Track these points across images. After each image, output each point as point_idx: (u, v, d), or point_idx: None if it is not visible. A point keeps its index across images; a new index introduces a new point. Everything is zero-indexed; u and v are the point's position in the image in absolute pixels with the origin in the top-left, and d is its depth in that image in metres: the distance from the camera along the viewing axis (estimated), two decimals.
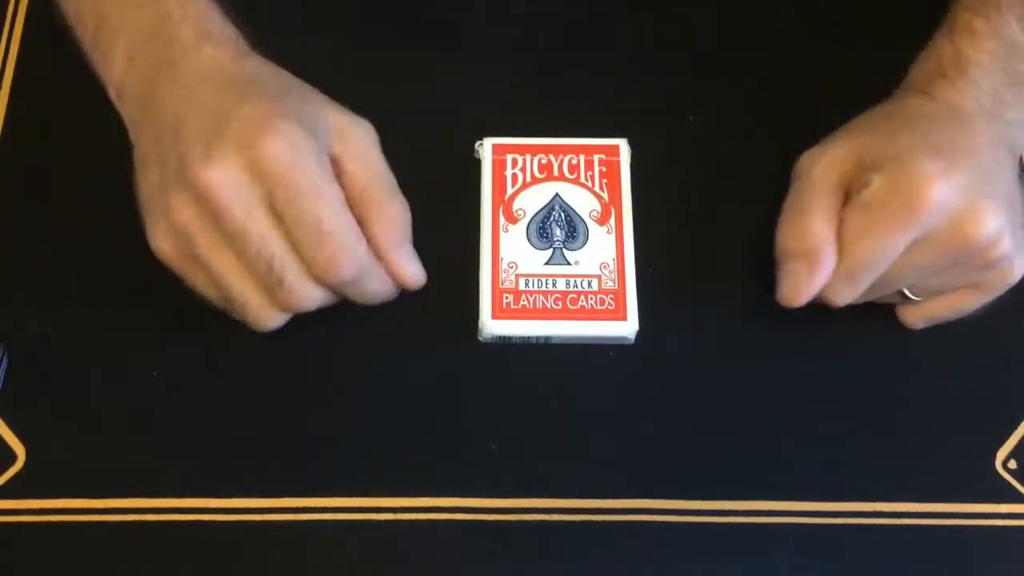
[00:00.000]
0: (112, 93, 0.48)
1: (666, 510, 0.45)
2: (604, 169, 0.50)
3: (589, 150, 0.50)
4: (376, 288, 0.46)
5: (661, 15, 0.55)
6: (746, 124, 0.53)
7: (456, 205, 0.49)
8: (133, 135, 0.47)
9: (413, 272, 0.47)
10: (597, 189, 0.49)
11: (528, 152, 0.50)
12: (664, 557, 0.45)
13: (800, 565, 0.45)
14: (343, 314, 0.48)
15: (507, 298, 0.47)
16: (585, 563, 0.45)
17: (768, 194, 0.51)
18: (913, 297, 0.46)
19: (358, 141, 0.46)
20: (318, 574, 0.44)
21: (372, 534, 0.45)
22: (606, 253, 0.48)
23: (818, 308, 0.47)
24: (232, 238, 0.42)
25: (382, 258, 0.46)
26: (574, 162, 0.50)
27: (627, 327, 0.47)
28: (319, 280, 0.44)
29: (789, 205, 0.46)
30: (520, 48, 0.54)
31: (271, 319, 0.45)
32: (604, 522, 0.45)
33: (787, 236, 0.45)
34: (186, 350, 0.48)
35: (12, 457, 0.46)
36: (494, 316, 0.47)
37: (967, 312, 0.47)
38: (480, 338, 0.47)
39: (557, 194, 0.49)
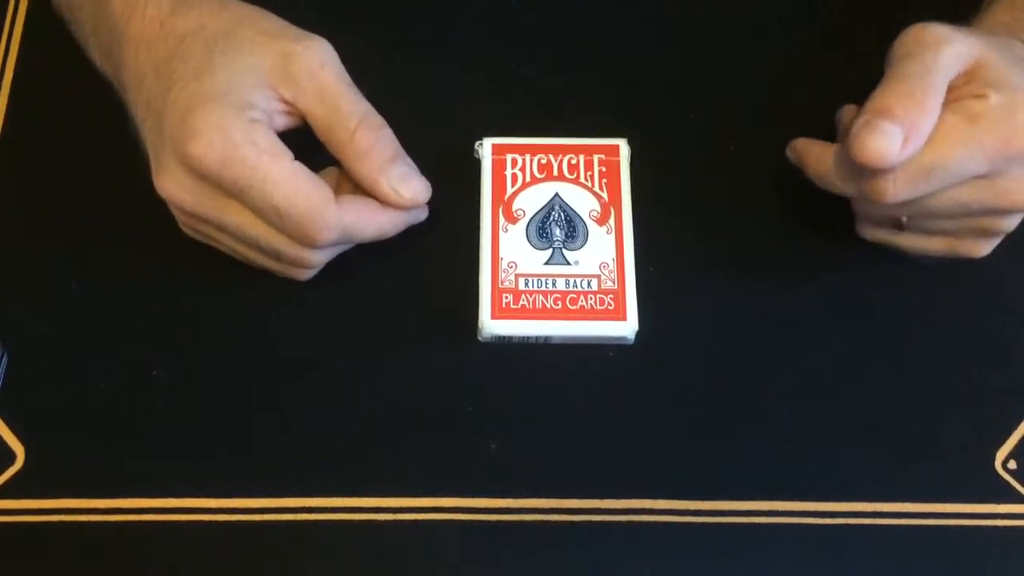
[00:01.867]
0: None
1: (666, 510, 0.45)
2: (604, 169, 0.50)
3: (589, 150, 0.50)
4: (377, 230, 0.45)
5: (661, 15, 0.55)
6: (746, 124, 0.53)
7: (456, 205, 0.49)
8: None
9: (410, 195, 0.44)
10: (597, 189, 0.49)
11: (528, 152, 0.50)
12: (664, 557, 0.45)
13: (800, 565, 0.45)
14: (343, 313, 0.48)
15: (507, 298, 0.47)
16: (585, 563, 0.45)
17: (768, 193, 0.51)
18: (904, 228, 0.45)
19: (307, 73, 0.42)
20: (318, 574, 0.44)
21: (372, 534, 0.45)
22: (606, 253, 0.48)
23: (817, 307, 0.47)
24: (219, 229, 0.43)
25: (371, 192, 0.44)
26: (574, 162, 0.50)
27: (626, 327, 0.47)
28: (305, 246, 0.43)
29: (908, 70, 0.42)
30: (520, 48, 0.54)
31: (301, 274, 0.46)
32: (604, 522, 0.45)
33: (897, 96, 0.41)
34: (186, 350, 0.48)
35: (11, 457, 0.46)
36: (494, 316, 0.47)
37: (926, 255, 0.47)
38: (480, 338, 0.47)
39: (557, 194, 0.49)
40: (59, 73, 0.52)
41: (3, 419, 0.46)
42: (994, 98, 0.42)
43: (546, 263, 0.48)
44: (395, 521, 0.45)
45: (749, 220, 0.50)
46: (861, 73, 0.53)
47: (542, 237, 0.48)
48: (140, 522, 0.45)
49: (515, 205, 0.49)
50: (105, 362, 0.47)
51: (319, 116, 0.43)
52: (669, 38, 0.55)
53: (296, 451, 0.46)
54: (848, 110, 0.47)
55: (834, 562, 0.45)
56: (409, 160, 0.45)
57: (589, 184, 0.49)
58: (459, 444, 0.46)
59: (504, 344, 0.48)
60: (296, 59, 0.42)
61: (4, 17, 0.54)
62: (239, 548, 0.44)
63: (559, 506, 0.45)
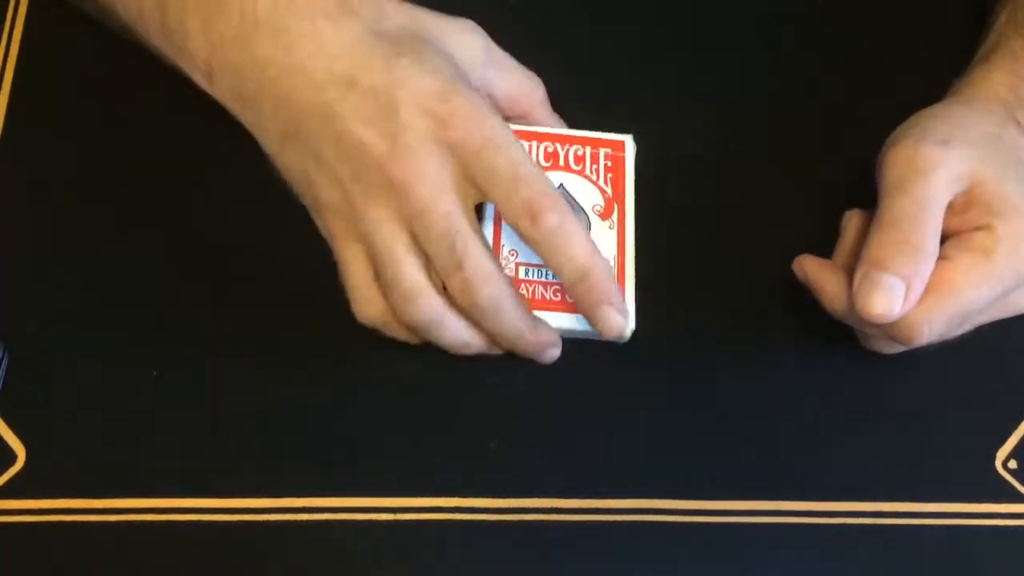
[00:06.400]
0: (200, 80, 0.45)
1: (665, 510, 0.45)
2: (609, 164, 0.49)
3: (595, 143, 0.50)
4: (581, 243, 0.43)
5: (665, 12, 0.55)
6: (752, 125, 0.52)
7: None
8: (242, 115, 0.45)
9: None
10: (601, 183, 0.49)
11: (535, 139, 0.49)
12: (663, 557, 0.45)
13: (800, 565, 0.45)
14: (341, 311, 0.48)
15: None
16: (585, 563, 0.45)
17: (773, 196, 0.51)
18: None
19: (482, 52, 0.46)
20: (318, 574, 0.44)
21: (372, 534, 0.45)
22: (607, 249, 0.47)
23: (818, 308, 0.46)
24: (414, 215, 0.42)
25: (552, 124, 0.49)
26: (580, 153, 0.49)
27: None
28: (523, 227, 0.42)
29: (901, 210, 0.42)
30: (527, 43, 0.53)
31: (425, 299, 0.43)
32: (604, 522, 0.45)
33: (894, 245, 0.42)
34: (186, 350, 0.48)
35: (12, 457, 0.46)
36: None
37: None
38: None
39: (561, 185, 0.49)
40: (59, 73, 0.52)
41: (4, 419, 0.46)
42: (1000, 228, 0.42)
43: None
44: (395, 521, 0.45)
45: (752, 220, 0.50)
46: (863, 70, 0.53)
47: None
48: (140, 522, 0.45)
49: None
50: (105, 362, 0.47)
51: (503, 87, 0.47)
52: (679, 36, 0.54)
53: (296, 451, 0.46)
54: (850, 219, 0.47)
55: (834, 562, 0.45)
56: None
57: (594, 178, 0.49)
58: (459, 444, 0.46)
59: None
60: (470, 40, 0.46)
61: (4, 17, 0.54)
62: (239, 548, 0.44)
63: (559, 506, 0.45)
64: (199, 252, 0.49)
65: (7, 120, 0.52)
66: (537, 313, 0.46)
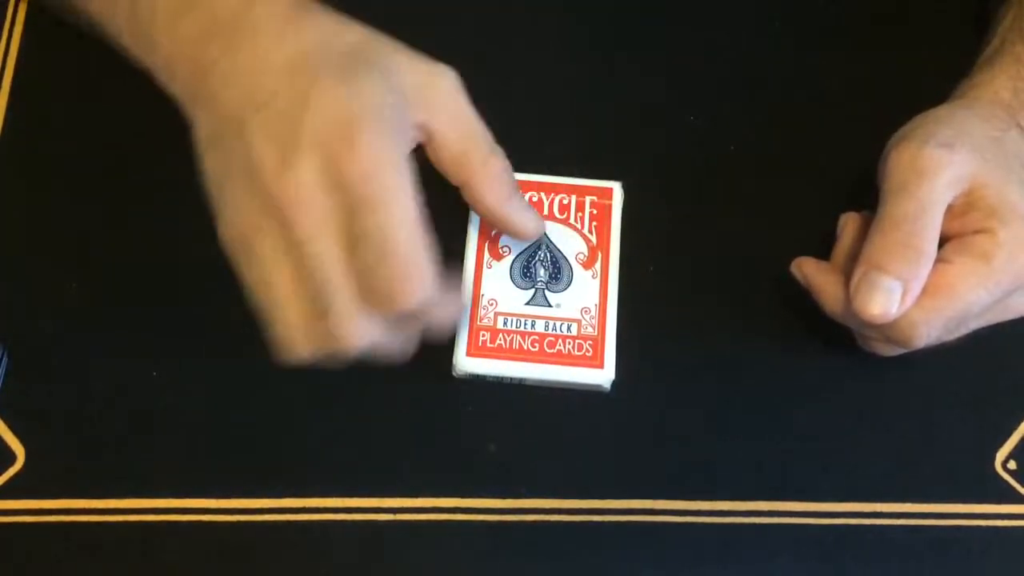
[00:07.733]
0: (162, 77, 0.45)
1: (666, 510, 0.45)
2: (595, 212, 0.48)
3: (582, 191, 0.49)
4: (445, 316, 0.41)
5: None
6: (749, 126, 0.52)
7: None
8: (190, 114, 0.44)
9: (534, 224, 0.45)
10: (586, 231, 0.48)
11: (520, 189, 0.49)
12: (663, 557, 0.45)
13: (800, 565, 0.45)
14: None
15: (484, 336, 0.46)
16: (585, 563, 0.45)
17: (772, 198, 0.51)
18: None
19: (444, 97, 0.42)
20: (318, 574, 0.44)
21: (372, 534, 0.45)
22: (588, 298, 0.47)
23: (817, 310, 0.46)
24: (294, 246, 0.40)
25: (495, 219, 0.44)
26: (565, 202, 0.48)
27: (603, 375, 0.46)
28: (377, 307, 0.39)
29: (902, 211, 0.43)
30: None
31: (302, 347, 0.40)
32: (604, 522, 0.45)
33: (894, 247, 0.42)
34: (186, 350, 0.48)
35: (12, 457, 0.46)
36: (469, 353, 0.46)
37: None
38: (454, 374, 0.47)
39: (545, 233, 0.48)
40: (59, 73, 0.52)
41: (3, 419, 0.46)
42: (1002, 233, 0.42)
43: (527, 303, 0.47)
44: (395, 521, 0.45)
45: (751, 226, 0.50)
46: (867, 70, 0.53)
47: (526, 276, 0.47)
48: (140, 522, 0.45)
49: (501, 241, 0.48)
50: (105, 362, 0.47)
51: (451, 136, 0.42)
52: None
53: (296, 451, 0.46)
54: (847, 222, 0.47)
55: (834, 562, 0.45)
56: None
57: (579, 226, 0.48)
58: (459, 444, 0.46)
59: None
60: (434, 84, 0.42)
61: (4, 17, 0.54)
62: (239, 548, 0.44)
63: (559, 506, 0.45)
64: (199, 252, 0.49)
65: (7, 120, 0.52)
66: (518, 364, 0.46)
